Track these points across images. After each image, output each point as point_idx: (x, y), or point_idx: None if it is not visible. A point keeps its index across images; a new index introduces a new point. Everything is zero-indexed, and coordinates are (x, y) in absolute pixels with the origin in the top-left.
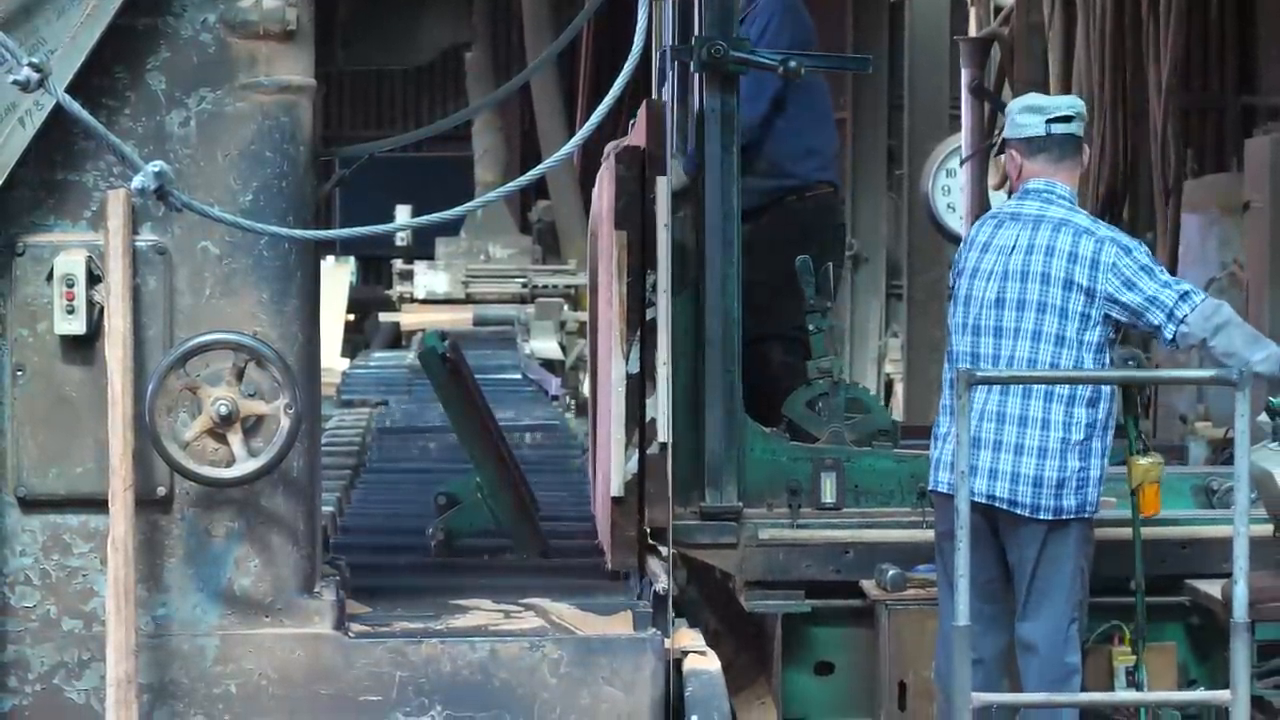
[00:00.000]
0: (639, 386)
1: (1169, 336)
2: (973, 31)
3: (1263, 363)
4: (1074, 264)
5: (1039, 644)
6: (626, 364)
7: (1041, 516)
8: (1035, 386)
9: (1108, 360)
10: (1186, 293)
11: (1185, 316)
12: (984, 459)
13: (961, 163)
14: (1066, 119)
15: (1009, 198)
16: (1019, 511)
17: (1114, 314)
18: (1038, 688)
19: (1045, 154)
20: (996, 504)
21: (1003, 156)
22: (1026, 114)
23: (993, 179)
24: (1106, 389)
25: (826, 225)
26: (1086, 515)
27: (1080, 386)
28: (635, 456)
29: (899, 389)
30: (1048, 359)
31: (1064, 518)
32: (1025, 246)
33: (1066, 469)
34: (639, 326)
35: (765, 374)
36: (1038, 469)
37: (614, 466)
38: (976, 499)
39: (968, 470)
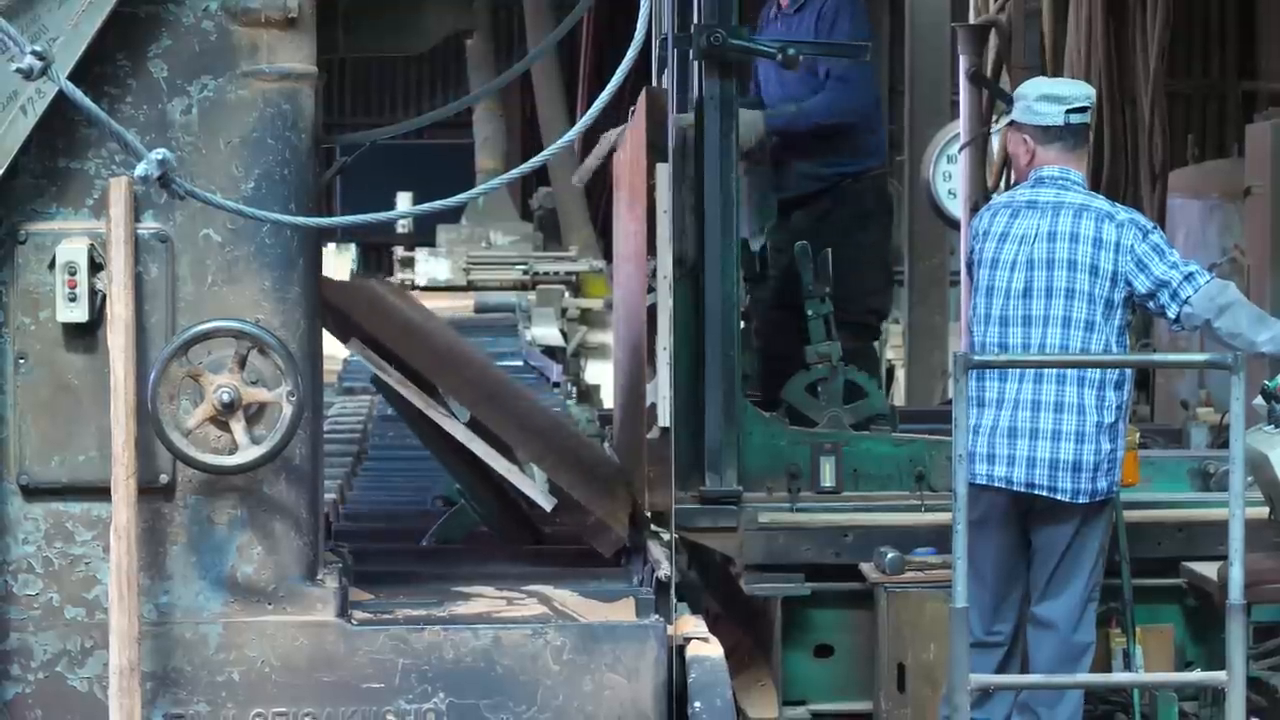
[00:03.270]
0: None
1: (1173, 317)
2: (971, 18)
3: (1268, 343)
4: (1098, 249)
5: (1058, 622)
6: None
7: (1081, 500)
8: (1068, 372)
9: (1128, 341)
10: (1192, 274)
11: (1189, 297)
12: (1021, 448)
13: (960, 150)
14: (1082, 109)
15: (1014, 183)
16: (1060, 497)
17: (1130, 295)
18: (1051, 665)
19: (1061, 142)
20: (1035, 491)
21: (1003, 138)
22: (1045, 102)
23: (990, 179)
24: (1129, 370)
25: (884, 206)
26: (1115, 494)
27: (1109, 370)
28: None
29: (900, 375)
30: (1078, 345)
31: (1098, 500)
32: (1047, 234)
33: (1101, 451)
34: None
35: None
36: (1075, 454)
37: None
38: (1015, 488)
39: (996, 456)
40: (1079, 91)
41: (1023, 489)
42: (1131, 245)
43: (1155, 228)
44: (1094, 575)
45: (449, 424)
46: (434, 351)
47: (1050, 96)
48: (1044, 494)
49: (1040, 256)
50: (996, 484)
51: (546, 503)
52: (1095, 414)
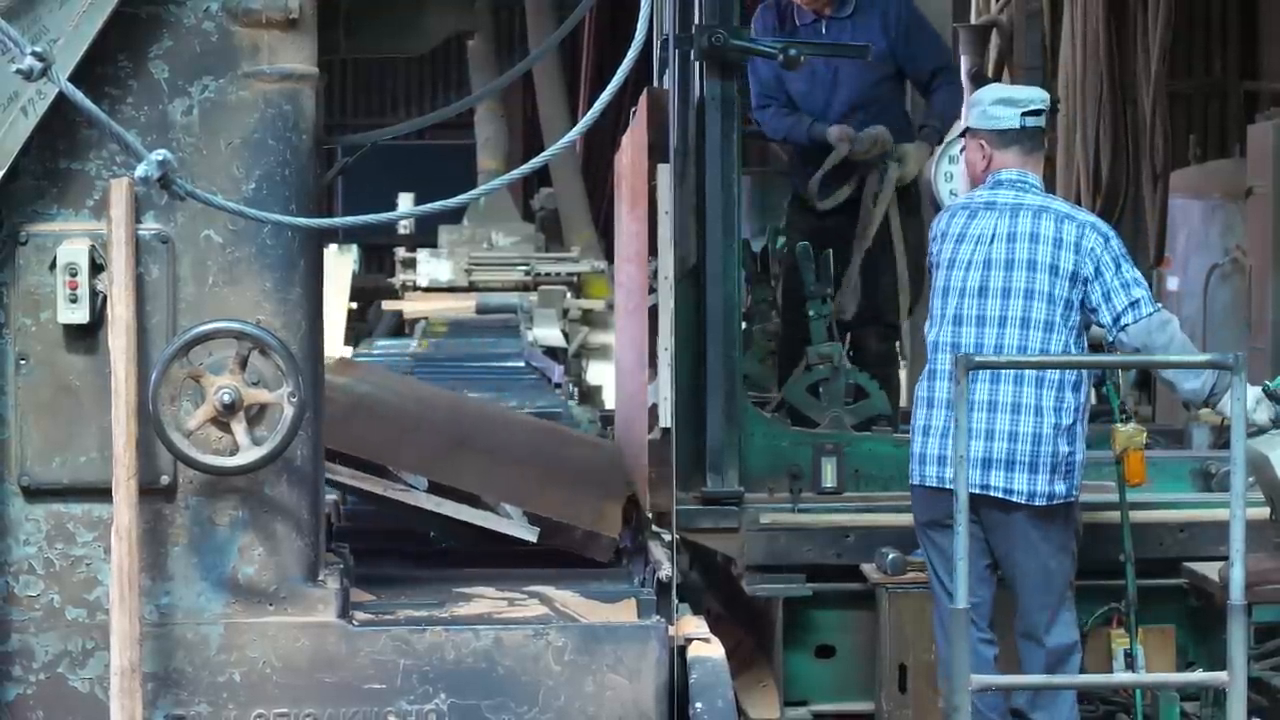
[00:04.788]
0: None
1: (1110, 339)
2: (973, 18)
3: (1190, 392)
4: (1059, 249)
5: (1040, 631)
6: None
7: (1038, 503)
8: (1026, 373)
9: (1085, 343)
10: (1138, 301)
11: (1127, 325)
12: (976, 449)
13: (961, 150)
14: (1038, 112)
15: (973, 186)
16: (1015, 499)
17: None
18: (1043, 672)
19: (1018, 145)
20: (991, 493)
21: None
22: (1000, 106)
23: None
24: (1085, 372)
25: (921, 204)
26: (1073, 499)
27: (1066, 371)
28: None
29: (902, 375)
30: (1036, 345)
31: (1055, 503)
32: (1006, 234)
33: (1058, 454)
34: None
35: (861, 362)
36: (1032, 455)
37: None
38: (970, 489)
39: (947, 457)
40: (1034, 95)
41: (977, 491)
42: (1092, 248)
43: (1115, 234)
44: (1063, 579)
45: (410, 496)
46: (379, 428)
47: (1005, 100)
48: (999, 495)
49: (999, 257)
50: (950, 486)
51: (529, 534)
52: (1053, 415)
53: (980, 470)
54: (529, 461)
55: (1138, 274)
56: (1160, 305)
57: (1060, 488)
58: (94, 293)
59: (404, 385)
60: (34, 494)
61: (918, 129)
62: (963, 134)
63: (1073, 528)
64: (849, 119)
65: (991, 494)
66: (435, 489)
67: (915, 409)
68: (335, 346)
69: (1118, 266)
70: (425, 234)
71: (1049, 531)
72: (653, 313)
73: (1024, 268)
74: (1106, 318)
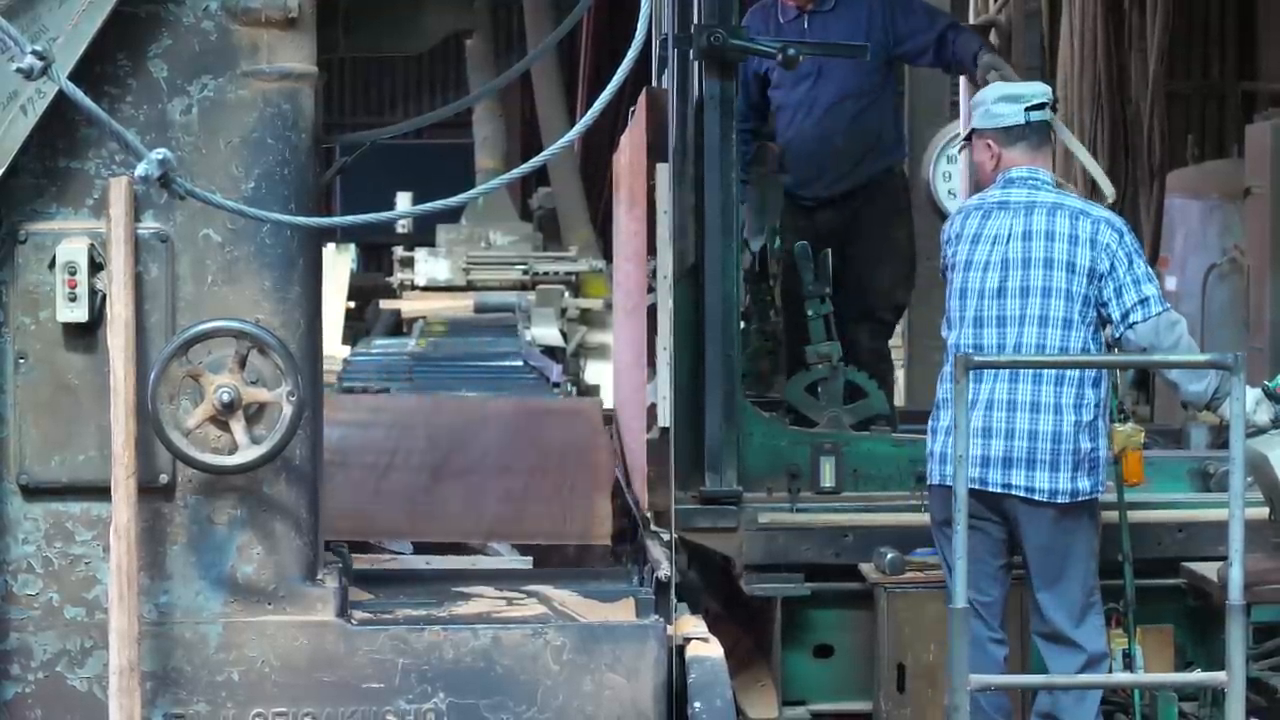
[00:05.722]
0: None
1: (1115, 335)
2: (971, 18)
3: (1194, 395)
4: (1075, 246)
5: (1061, 633)
6: None
7: (1060, 501)
8: (1046, 371)
9: (1103, 338)
10: (1147, 299)
11: (1135, 324)
12: (997, 448)
13: (959, 150)
14: (1041, 106)
15: (983, 187)
16: (1037, 498)
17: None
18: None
19: (1025, 142)
20: (1013, 491)
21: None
22: (1004, 104)
23: None
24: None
25: (909, 200)
26: (1098, 495)
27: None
28: None
29: (900, 374)
30: (1056, 343)
31: (1079, 500)
32: (1021, 233)
33: (1080, 451)
34: None
35: (853, 360)
36: (1053, 453)
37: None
38: (992, 489)
39: (969, 456)
40: (1036, 90)
41: (999, 490)
42: (1107, 243)
43: (1130, 229)
44: (1088, 580)
45: (397, 563)
46: (354, 486)
47: (1008, 97)
48: (1021, 494)
49: (1015, 256)
50: (974, 486)
51: (523, 564)
52: (1073, 413)
53: (1001, 469)
54: (511, 468)
55: (1149, 270)
56: (1169, 305)
57: (1084, 484)
58: (93, 291)
59: (379, 410)
60: (33, 493)
61: (973, 56)
62: (966, 136)
63: (1097, 526)
64: (837, 110)
65: (1014, 493)
66: (420, 545)
67: (936, 410)
68: (333, 345)
69: (1130, 262)
70: (423, 233)
71: (1073, 530)
72: (651, 312)
73: (1041, 266)
74: (1115, 313)
